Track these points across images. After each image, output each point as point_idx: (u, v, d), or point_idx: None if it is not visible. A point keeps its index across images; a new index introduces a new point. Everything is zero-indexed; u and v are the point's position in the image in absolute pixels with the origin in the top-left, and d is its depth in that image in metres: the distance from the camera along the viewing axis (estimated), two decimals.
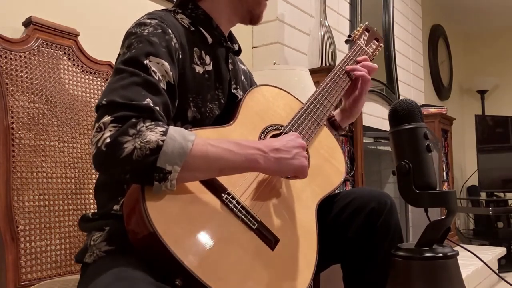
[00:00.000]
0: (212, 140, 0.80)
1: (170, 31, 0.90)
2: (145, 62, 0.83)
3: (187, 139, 0.75)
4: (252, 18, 1.06)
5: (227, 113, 1.00)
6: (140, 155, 0.72)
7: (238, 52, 1.12)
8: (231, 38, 1.10)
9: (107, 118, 0.74)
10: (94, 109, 1.24)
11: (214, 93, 0.99)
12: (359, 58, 1.19)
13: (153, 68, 0.83)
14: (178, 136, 0.74)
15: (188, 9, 1.01)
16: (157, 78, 0.83)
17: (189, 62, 0.94)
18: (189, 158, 0.74)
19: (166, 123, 0.79)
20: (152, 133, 0.73)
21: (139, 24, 0.91)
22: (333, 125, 1.21)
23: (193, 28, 0.99)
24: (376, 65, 1.19)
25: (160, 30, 0.89)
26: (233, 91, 1.05)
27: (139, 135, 0.73)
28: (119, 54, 0.89)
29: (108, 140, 0.72)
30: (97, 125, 0.75)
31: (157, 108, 0.79)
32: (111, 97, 0.77)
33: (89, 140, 1.23)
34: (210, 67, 0.98)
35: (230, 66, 1.06)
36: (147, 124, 0.74)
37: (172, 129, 0.75)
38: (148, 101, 0.78)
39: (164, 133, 0.73)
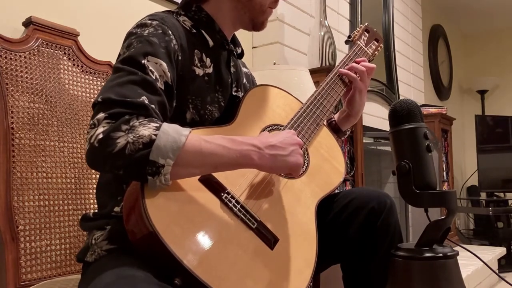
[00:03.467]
0: (206, 136, 0.79)
1: (170, 32, 0.90)
2: (142, 61, 0.83)
3: (180, 134, 0.75)
4: (255, 25, 1.05)
5: (227, 115, 1.00)
6: (133, 149, 0.72)
7: (241, 55, 1.12)
8: (234, 41, 1.10)
9: (101, 115, 0.74)
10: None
11: (214, 96, 0.99)
12: (357, 60, 1.19)
13: (150, 68, 0.83)
14: (172, 130, 0.75)
15: (191, 11, 1.01)
16: (154, 77, 0.83)
17: (189, 64, 0.94)
18: (182, 153, 0.74)
19: (161, 121, 0.79)
20: (145, 128, 0.73)
21: (140, 25, 0.91)
22: (332, 126, 1.20)
23: (194, 31, 0.99)
24: (374, 65, 1.18)
25: (160, 31, 0.89)
26: (234, 93, 1.05)
27: (132, 130, 0.73)
28: (119, 54, 0.90)
29: (100, 136, 0.72)
30: (91, 121, 0.75)
31: (153, 106, 0.79)
32: (107, 94, 0.77)
33: None
34: (210, 70, 0.98)
35: (232, 69, 1.06)
36: (141, 120, 0.74)
37: (166, 125, 0.75)
38: (144, 98, 0.78)
39: (158, 128, 0.74)
